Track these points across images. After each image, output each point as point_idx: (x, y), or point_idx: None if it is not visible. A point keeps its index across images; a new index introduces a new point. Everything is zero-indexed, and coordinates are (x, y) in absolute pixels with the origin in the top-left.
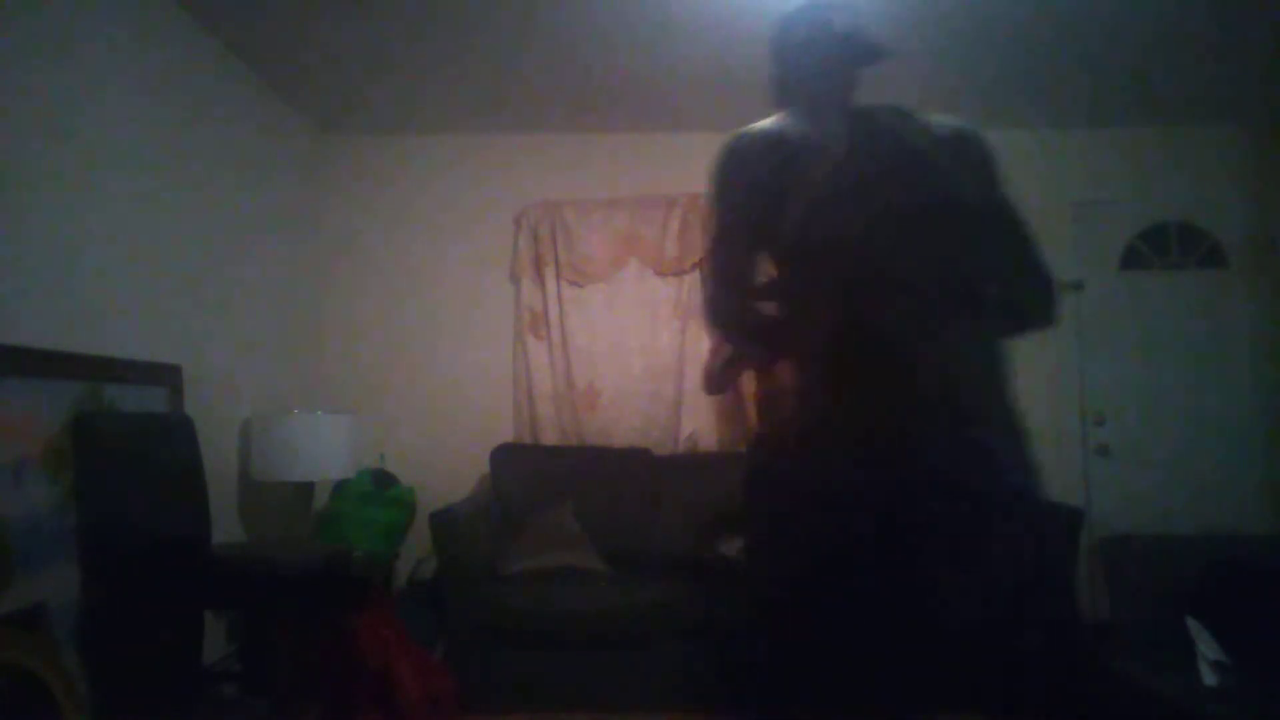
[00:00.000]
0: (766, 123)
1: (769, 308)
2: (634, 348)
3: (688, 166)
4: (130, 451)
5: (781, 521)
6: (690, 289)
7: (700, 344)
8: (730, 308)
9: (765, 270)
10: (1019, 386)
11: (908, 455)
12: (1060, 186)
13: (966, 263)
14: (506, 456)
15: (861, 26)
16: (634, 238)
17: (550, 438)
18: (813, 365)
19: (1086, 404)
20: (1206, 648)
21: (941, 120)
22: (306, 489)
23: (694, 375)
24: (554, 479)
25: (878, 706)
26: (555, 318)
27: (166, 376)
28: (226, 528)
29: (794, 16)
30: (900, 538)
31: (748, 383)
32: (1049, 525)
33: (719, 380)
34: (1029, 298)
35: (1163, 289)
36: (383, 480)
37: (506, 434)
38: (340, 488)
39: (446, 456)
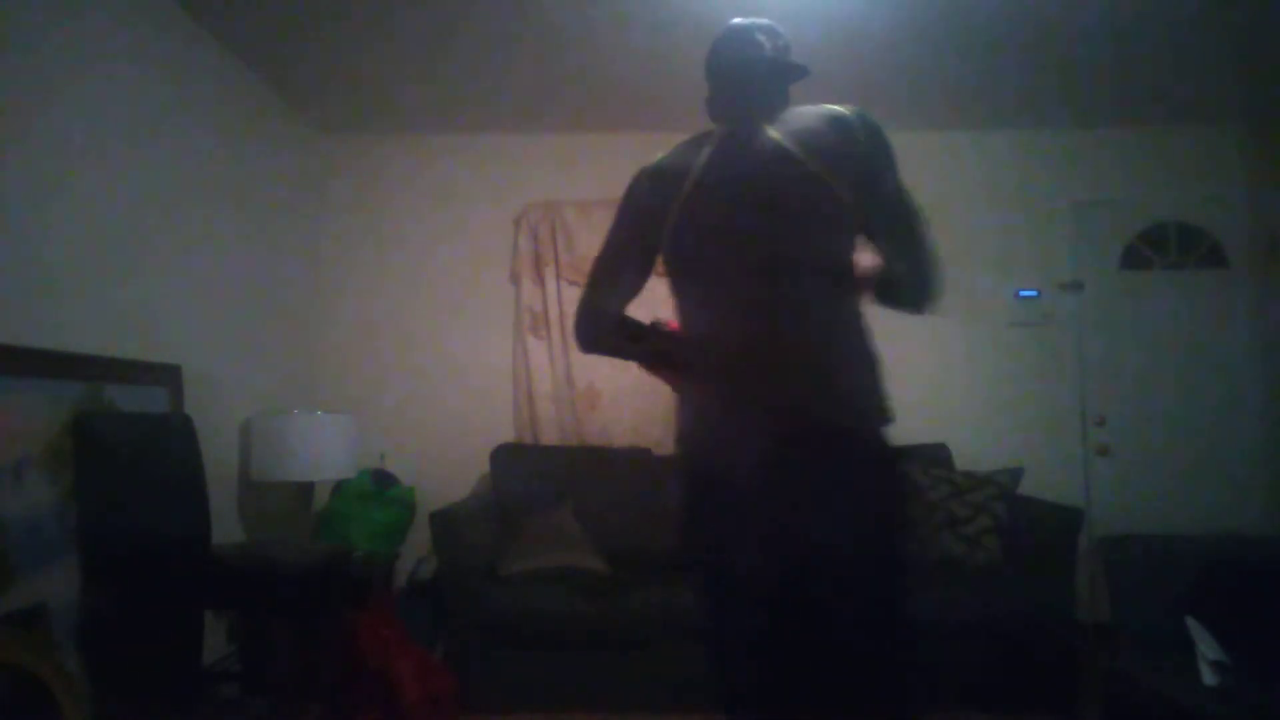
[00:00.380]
0: (673, 148)
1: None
2: None
3: None
4: (130, 451)
5: (684, 521)
6: None
7: None
8: (596, 315)
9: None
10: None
11: (772, 442)
12: (1060, 186)
13: (832, 244)
14: (506, 456)
15: (784, 46)
16: None
17: (550, 438)
18: (691, 368)
19: (1086, 404)
20: (1206, 648)
21: (832, 110)
22: (306, 489)
23: None
24: (554, 479)
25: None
26: (555, 318)
27: (166, 376)
28: (226, 528)
29: (722, 38)
30: (777, 524)
31: None
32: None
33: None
34: (905, 279)
35: (1163, 289)
36: (383, 480)
37: (507, 434)
38: (340, 488)
39: (446, 456)
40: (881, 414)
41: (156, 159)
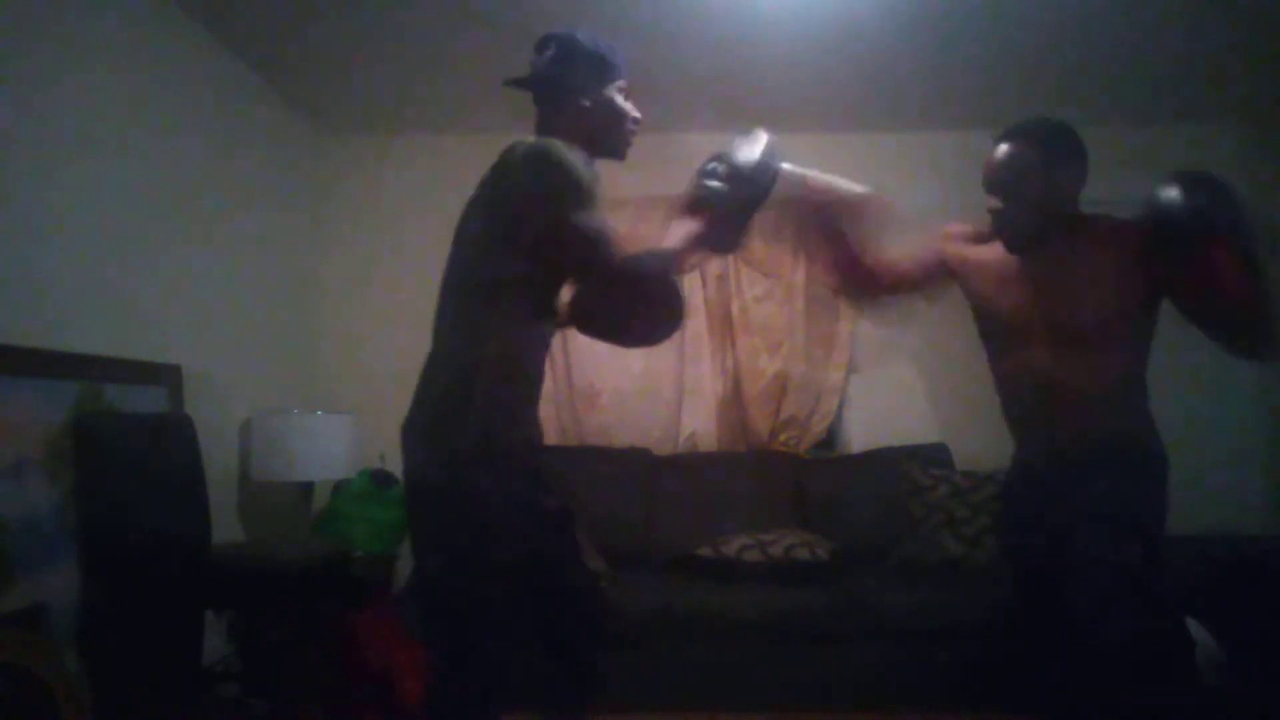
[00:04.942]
0: None
1: None
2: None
3: (688, 166)
4: (130, 451)
5: None
6: (690, 289)
7: (700, 344)
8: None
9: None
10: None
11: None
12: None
13: (485, 268)
14: None
15: (544, 60)
16: (634, 238)
17: (550, 438)
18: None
19: None
20: (1206, 647)
21: (517, 143)
22: (306, 489)
23: (694, 375)
24: (554, 479)
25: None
26: None
27: (166, 376)
28: (226, 528)
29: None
30: None
31: (747, 382)
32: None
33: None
34: (582, 297)
35: None
36: (383, 480)
37: None
38: (340, 488)
39: None
40: None
41: (156, 159)
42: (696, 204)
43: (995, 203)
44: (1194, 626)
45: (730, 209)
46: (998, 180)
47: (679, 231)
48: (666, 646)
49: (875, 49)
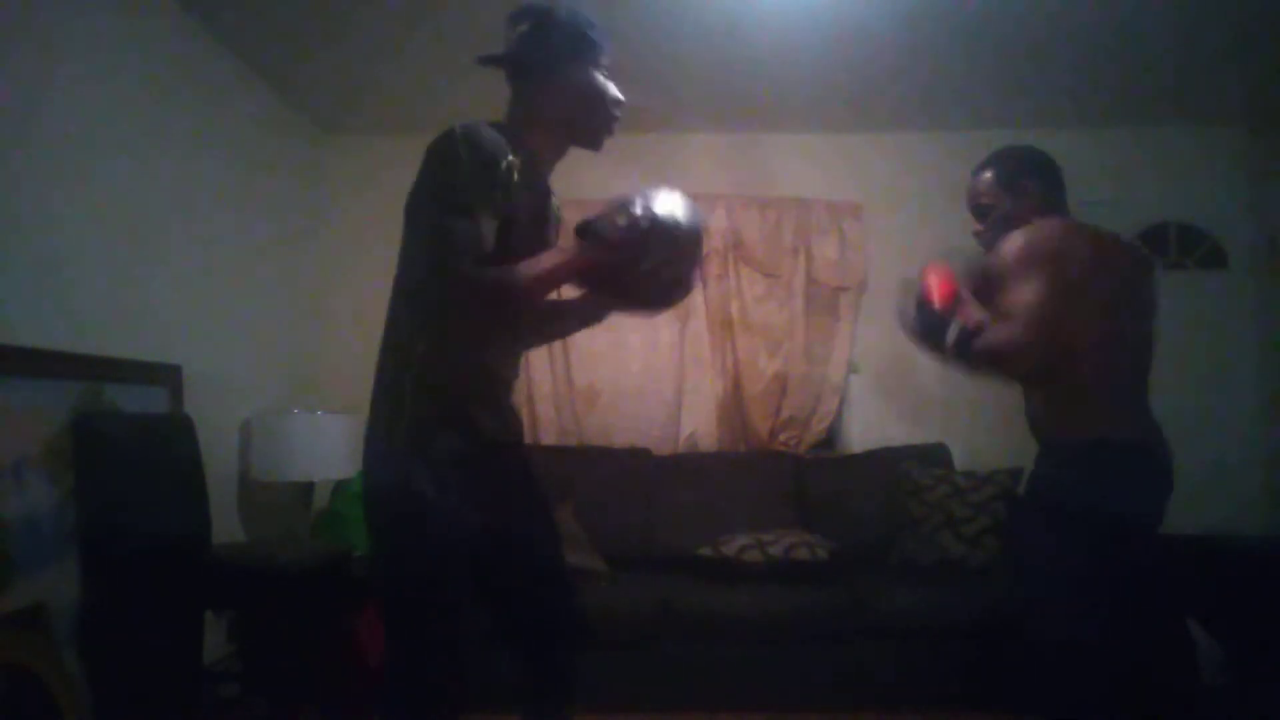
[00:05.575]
0: None
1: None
2: (634, 348)
3: (688, 166)
4: (130, 451)
5: None
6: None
7: (700, 344)
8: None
9: None
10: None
11: None
12: None
13: (402, 263)
14: None
15: (516, 35)
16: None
17: (550, 438)
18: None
19: None
20: (1206, 648)
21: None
22: (306, 489)
23: (694, 375)
24: (554, 479)
25: None
26: None
27: (166, 376)
28: (226, 528)
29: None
30: None
31: (747, 382)
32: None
33: None
34: (411, 266)
35: (1163, 289)
36: None
37: None
38: (340, 488)
39: None
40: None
41: (156, 159)
42: (589, 233)
43: (976, 226)
44: (1194, 626)
45: (620, 253)
46: (973, 206)
47: (552, 257)
48: (666, 646)
49: (875, 49)
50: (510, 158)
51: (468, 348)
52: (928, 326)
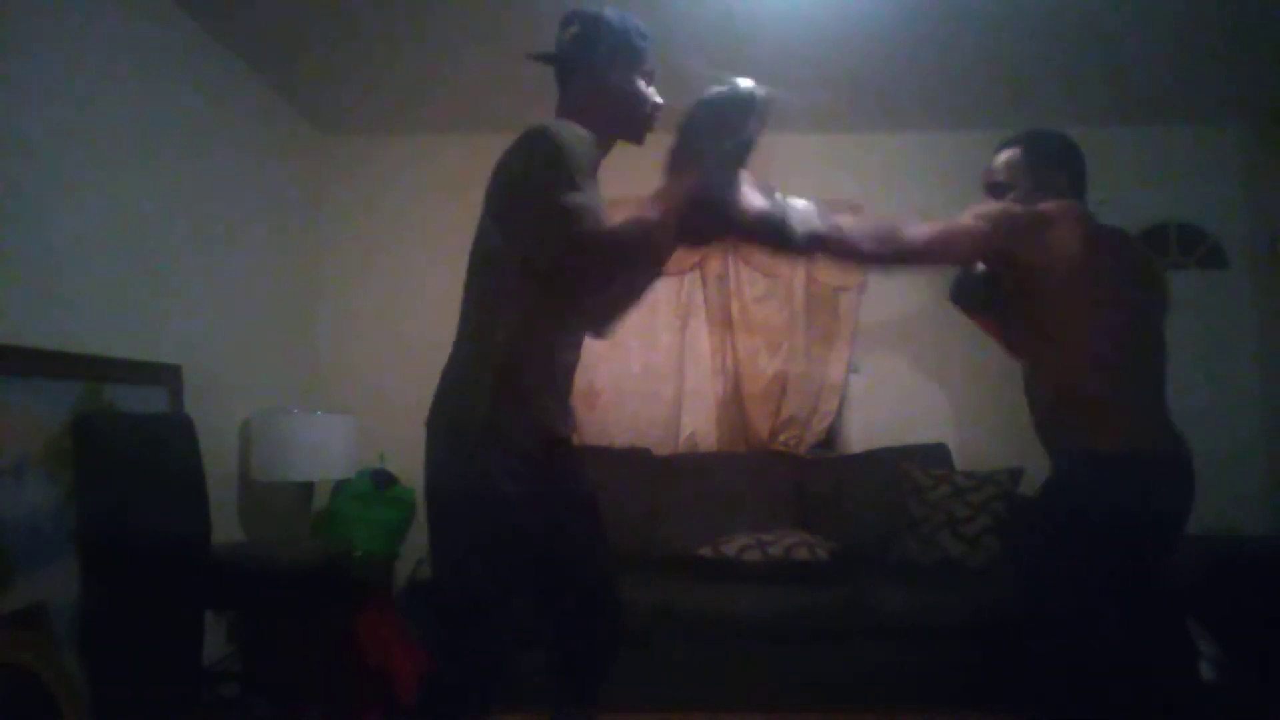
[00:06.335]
0: None
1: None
2: (634, 348)
3: None
4: (130, 451)
5: None
6: (690, 288)
7: (700, 344)
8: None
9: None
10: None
11: None
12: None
13: (490, 254)
14: None
15: (568, 37)
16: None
17: None
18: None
19: None
20: (1206, 647)
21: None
22: (306, 489)
23: (694, 375)
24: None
25: None
26: None
27: (166, 376)
28: (226, 528)
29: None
30: None
31: (747, 382)
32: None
33: None
34: (537, 248)
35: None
36: (383, 480)
37: None
38: (340, 488)
39: None
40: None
41: (156, 159)
42: (680, 157)
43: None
44: (1194, 626)
45: (717, 156)
46: (988, 183)
47: (663, 195)
48: (666, 646)
49: (875, 49)
50: (594, 149)
51: (544, 337)
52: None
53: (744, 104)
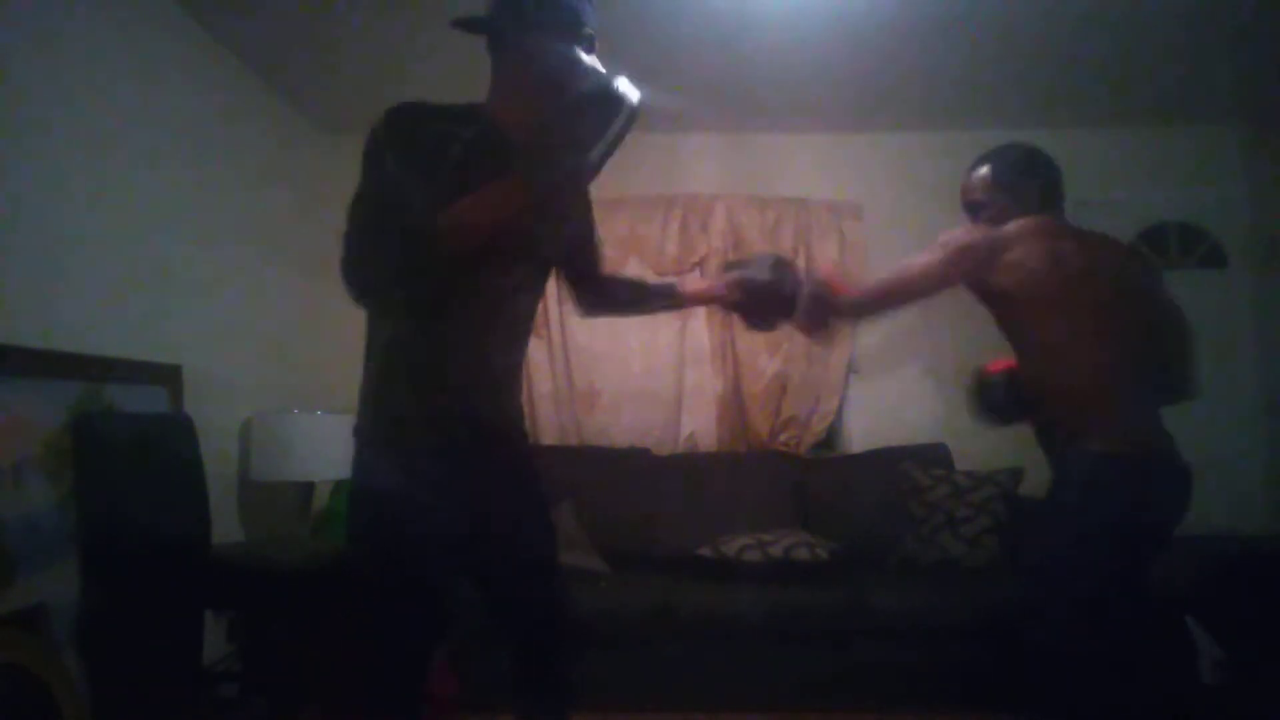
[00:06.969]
0: None
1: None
2: (634, 348)
3: (688, 166)
4: (130, 451)
5: None
6: None
7: (700, 344)
8: None
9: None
10: None
11: None
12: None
13: None
14: None
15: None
16: (634, 237)
17: (550, 438)
18: None
19: None
20: (1206, 647)
21: None
22: (306, 489)
23: (694, 375)
24: (554, 479)
25: None
26: (555, 317)
27: (166, 376)
28: (226, 528)
29: None
30: None
31: (747, 382)
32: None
33: None
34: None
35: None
36: None
37: None
38: (340, 488)
39: None
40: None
41: (156, 159)
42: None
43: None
44: (1194, 626)
45: (573, 147)
46: (965, 203)
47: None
48: (666, 646)
49: (876, 49)
50: (450, 134)
51: (428, 334)
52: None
53: (614, 103)
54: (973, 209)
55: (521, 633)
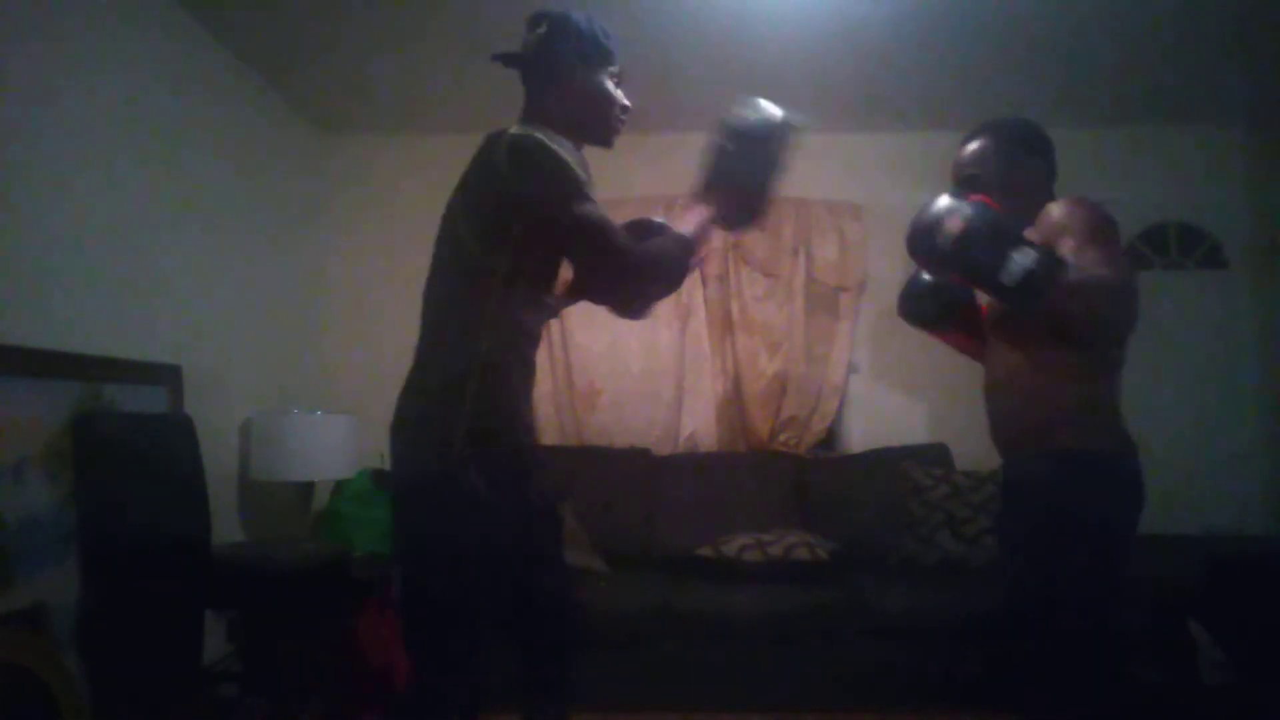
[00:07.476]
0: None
1: None
2: (634, 348)
3: (688, 166)
4: (130, 451)
5: None
6: (690, 289)
7: (700, 344)
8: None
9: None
10: None
11: None
12: (1060, 186)
13: (477, 263)
14: None
15: (534, 38)
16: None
17: (550, 438)
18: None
19: None
20: (1206, 648)
21: (500, 134)
22: (306, 489)
23: (694, 375)
24: (554, 479)
25: None
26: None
27: (166, 376)
28: (226, 528)
29: None
30: None
31: (747, 382)
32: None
33: None
34: (601, 296)
35: (1163, 289)
36: (383, 480)
37: None
38: (340, 488)
39: None
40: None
41: (156, 159)
42: (712, 181)
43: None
44: (1194, 627)
45: (745, 178)
46: (958, 178)
47: (694, 215)
48: (666, 646)
49: (875, 49)
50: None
51: (523, 346)
52: (985, 241)
53: (780, 133)
54: (966, 184)
55: (535, 629)
